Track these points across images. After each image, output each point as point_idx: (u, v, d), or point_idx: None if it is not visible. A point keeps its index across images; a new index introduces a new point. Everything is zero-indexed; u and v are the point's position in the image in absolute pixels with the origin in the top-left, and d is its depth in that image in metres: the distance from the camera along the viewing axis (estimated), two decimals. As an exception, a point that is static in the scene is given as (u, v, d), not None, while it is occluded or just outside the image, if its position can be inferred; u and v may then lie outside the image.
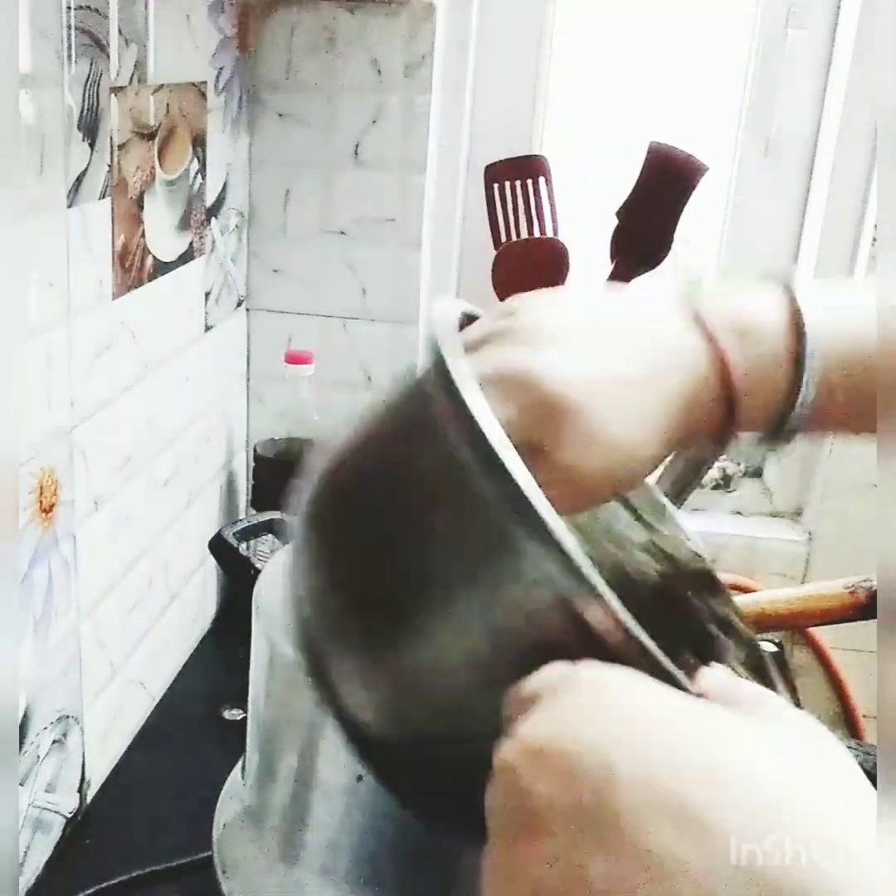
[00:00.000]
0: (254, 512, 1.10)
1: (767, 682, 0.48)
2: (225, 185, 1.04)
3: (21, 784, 0.72)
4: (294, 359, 1.08)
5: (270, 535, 0.90)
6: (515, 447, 0.34)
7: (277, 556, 0.70)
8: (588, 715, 0.30)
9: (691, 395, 0.43)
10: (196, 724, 0.96)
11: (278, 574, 0.67)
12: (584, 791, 0.28)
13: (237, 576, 0.78)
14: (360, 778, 0.58)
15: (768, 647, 0.68)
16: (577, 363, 0.41)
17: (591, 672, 0.32)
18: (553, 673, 0.32)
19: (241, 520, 0.91)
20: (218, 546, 0.79)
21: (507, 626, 0.34)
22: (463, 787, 0.33)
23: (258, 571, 0.72)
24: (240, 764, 0.70)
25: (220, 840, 0.66)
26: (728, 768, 0.28)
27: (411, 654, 0.36)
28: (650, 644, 0.32)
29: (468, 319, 0.45)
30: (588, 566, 0.32)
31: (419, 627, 0.36)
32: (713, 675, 0.34)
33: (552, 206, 1.19)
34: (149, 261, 0.85)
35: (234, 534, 0.82)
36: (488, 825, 0.31)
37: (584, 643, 0.32)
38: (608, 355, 0.42)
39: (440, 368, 0.36)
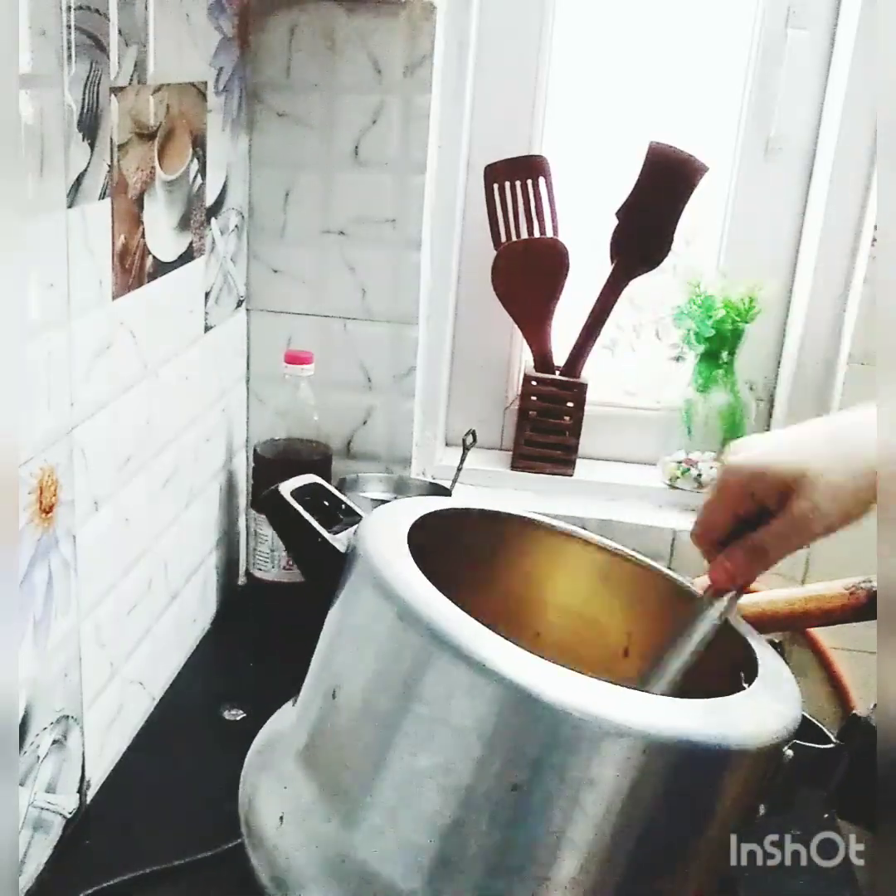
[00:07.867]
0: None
1: None
2: (225, 185, 1.04)
3: (21, 784, 0.72)
4: (294, 359, 1.08)
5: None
6: None
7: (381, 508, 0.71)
8: None
9: None
10: (196, 724, 0.96)
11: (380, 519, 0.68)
12: None
13: (290, 531, 0.76)
14: None
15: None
16: None
17: None
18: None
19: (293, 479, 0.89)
20: (272, 501, 0.78)
21: None
22: None
23: (311, 525, 0.72)
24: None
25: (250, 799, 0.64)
26: None
27: None
28: None
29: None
30: None
31: None
32: None
33: (552, 206, 1.19)
34: (149, 261, 0.85)
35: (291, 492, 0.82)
36: None
37: None
38: None
39: None
